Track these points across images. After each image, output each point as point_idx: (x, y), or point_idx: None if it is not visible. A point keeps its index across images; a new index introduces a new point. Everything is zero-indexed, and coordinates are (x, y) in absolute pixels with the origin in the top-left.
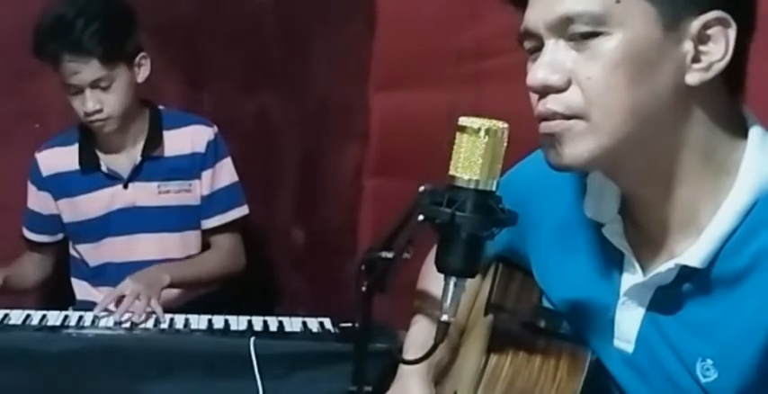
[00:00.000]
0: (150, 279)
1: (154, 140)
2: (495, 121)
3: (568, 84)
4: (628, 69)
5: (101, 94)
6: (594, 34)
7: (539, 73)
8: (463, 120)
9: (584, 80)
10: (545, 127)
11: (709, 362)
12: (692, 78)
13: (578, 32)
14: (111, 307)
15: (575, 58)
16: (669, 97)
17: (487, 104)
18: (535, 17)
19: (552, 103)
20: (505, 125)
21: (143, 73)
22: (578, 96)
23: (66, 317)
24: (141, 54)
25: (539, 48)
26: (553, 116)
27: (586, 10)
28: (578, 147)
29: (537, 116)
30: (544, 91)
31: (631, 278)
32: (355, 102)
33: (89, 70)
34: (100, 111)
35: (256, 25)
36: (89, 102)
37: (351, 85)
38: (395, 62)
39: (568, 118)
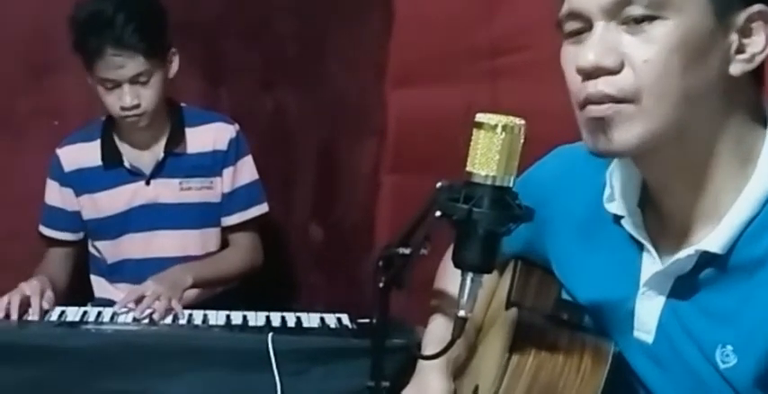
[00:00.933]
0: (173, 280)
1: (176, 137)
2: (511, 118)
3: (621, 66)
4: (683, 55)
5: (139, 88)
6: (650, 18)
7: (590, 54)
8: (480, 117)
9: (641, 63)
10: (594, 111)
11: (729, 348)
12: (736, 69)
13: (634, 15)
14: (131, 305)
15: (629, 42)
16: (716, 85)
17: (504, 101)
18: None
19: (604, 85)
20: (522, 122)
21: (173, 68)
22: (631, 79)
23: (84, 313)
24: (172, 49)
25: (582, 30)
26: (602, 99)
27: None
28: (628, 131)
29: (584, 99)
30: (595, 73)
31: (651, 268)
32: (372, 100)
33: (133, 65)
34: (137, 106)
35: (274, 23)
36: (127, 97)
37: (368, 82)
38: (412, 59)
39: (618, 101)
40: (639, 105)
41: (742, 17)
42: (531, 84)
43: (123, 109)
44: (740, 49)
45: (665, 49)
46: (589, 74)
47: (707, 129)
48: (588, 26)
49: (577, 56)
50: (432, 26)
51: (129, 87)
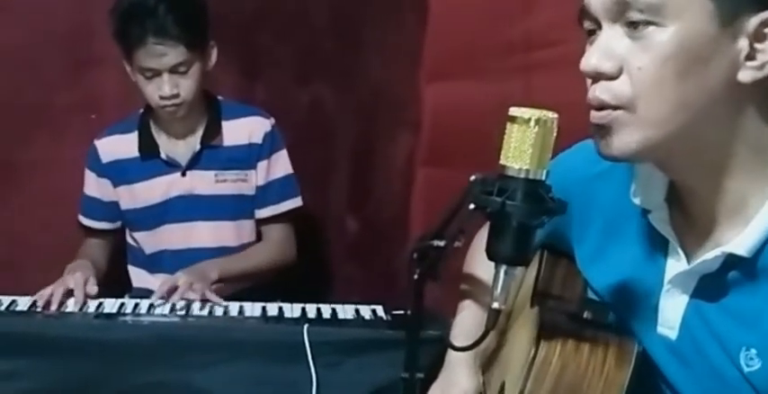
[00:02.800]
0: (200, 274)
1: (213, 130)
2: (544, 112)
3: (620, 72)
4: (678, 63)
5: (178, 78)
6: (648, 23)
7: (592, 58)
8: (514, 111)
9: (635, 70)
10: (594, 117)
11: (753, 351)
12: (745, 76)
13: (633, 20)
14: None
15: (628, 47)
16: (720, 93)
17: (537, 95)
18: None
19: (600, 92)
20: (555, 115)
21: (212, 61)
22: (626, 86)
23: (122, 304)
24: (211, 42)
25: (595, 30)
26: (601, 105)
27: None
28: (626, 138)
29: (588, 102)
30: (596, 77)
31: (676, 265)
32: (407, 93)
33: (174, 54)
34: (176, 95)
35: (310, 17)
36: (166, 86)
37: (403, 75)
38: (447, 53)
39: (615, 108)
40: (634, 113)
41: (754, 22)
42: (564, 78)
43: (162, 98)
44: (750, 56)
45: (659, 56)
46: (591, 77)
47: (718, 133)
48: (598, 26)
49: (585, 56)
50: (466, 20)
51: (169, 77)
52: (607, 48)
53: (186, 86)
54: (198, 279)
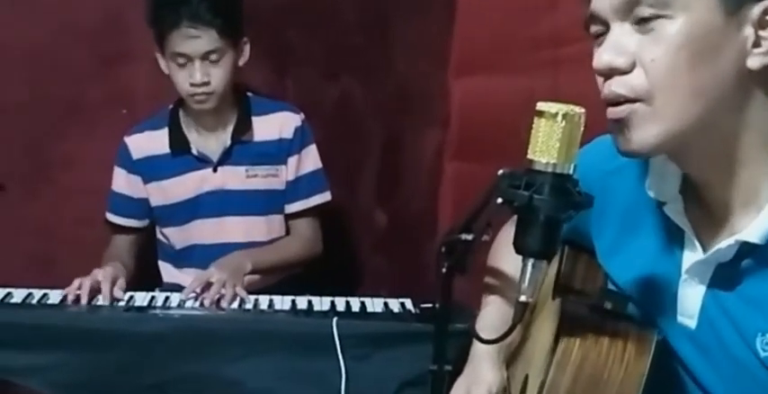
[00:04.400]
0: (233, 266)
1: (243, 125)
2: (572, 106)
3: (633, 66)
4: (690, 52)
5: (209, 66)
6: (658, 17)
7: (604, 55)
8: (541, 106)
9: (648, 62)
10: (612, 112)
11: None
12: (754, 62)
13: (642, 15)
14: (198, 291)
15: (639, 41)
16: (731, 81)
17: (564, 90)
18: (601, 1)
19: (616, 86)
20: (582, 110)
21: (244, 57)
22: (642, 79)
23: (152, 298)
24: (244, 38)
25: (604, 32)
26: (617, 99)
27: None
28: (645, 132)
29: (603, 100)
30: (609, 73)
31: (692, 255)
32: (435, 88)
33: (207, 39)
34: (207, 83)
35: (339, 13)
36: (198, 74)
37: (431, 70)
38: (474, 49)
39: (633, 101)
40: (653, 105)
41: (757, 10)
42: (591, 73)
43: (193, 85)
44: (757, 43)
45: (671, 47)
46: (605, 74)
47: (729, 122)
48: (606, 29)
49: (597, 54)
50: (494, 15)
51: (201, 64)
52: (618, 44)
53: (217, 76)
54: (231, 271)
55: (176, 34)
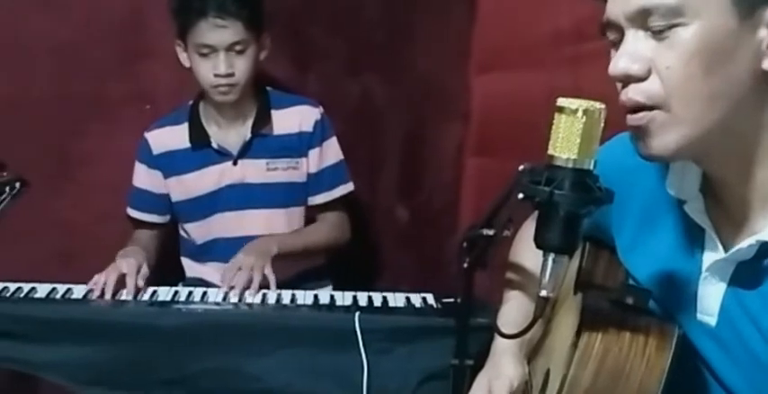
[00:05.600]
0: (260, 250)
1: (263, 119)
2: (592, 102)
3: (648, 73)
4: (704, 58)
5: (234, 58)
6: (671, 26)
7: (620, 62)
8: (562, 102)
9: (663, 70)
10: (631, 119)
11: None
12: None
13: (656, 25)
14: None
15: (654, 48)
16: (747, 83)
17: (585, 86)
18: (615, 8)
19: (633, 93)
20: (603, 106)
21: (264, 51)
22: (658, 86)
23: (176, 292)
24: (265, 33)
25: (620, 39)
26: (635, 107)
27: (663, 1)
28: (664, 138)
29: (621, 106)
30: (626, 80)
31: (713, 254)
32: (457, 84)
33: (233, 30)
34: (231, 74)
35: (361, 9)
36: (222, 64)
37: (452, 67)
38: (495, 45)
39: (650, 109)
40: (670, 112)
41: None
42: None
43: (217, 76)
44: None
45: (684, 54)
46: (621, 81)
47: (747, 123)
48: (621, 35)
49: (613, 61)
50: (515, 12)
51: (225, 55)
52: (633, 51)
53: (241, 67)
54: (258, 255)
55: (203, 24)
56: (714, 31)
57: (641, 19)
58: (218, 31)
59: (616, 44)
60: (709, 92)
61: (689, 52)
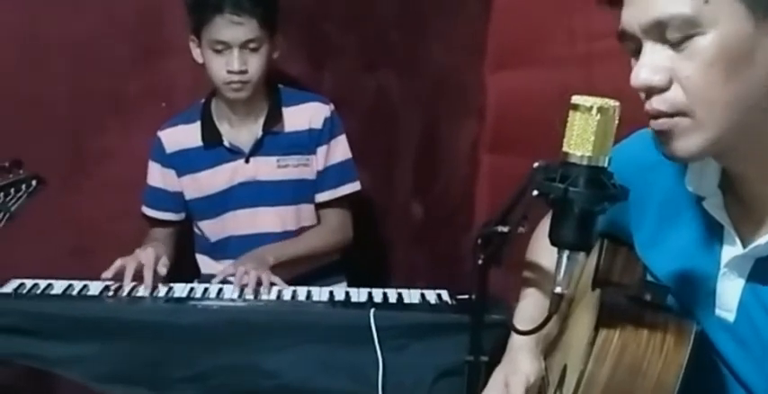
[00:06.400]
0: (257, 260)
1: (274, 116)
2: (606, 100)
3: (670, 83)
4: (723, 65)
5: (248, 55)
6: (688, 37)
7: (641, 74)
8: (576, 99)
9: (684, 79)
10: (654, 124)
11: None
12: None
13: (672, 37)
14: (231, 279)
15: (673, 58)
16: (767, 85)
17: (599, 83)
18: (630, 19)
19: (657, 103)
20: (617, 103)
21: (277, 50)
22: (680, 94)
23: (191, 289)
24: (279, 34)
25: (638, 48)
26: (659, 114)
27: (678, 12)
28: (687, 142)
29: (645, 113)
30: (648, 91)
31: (731, 250)
32: (471, 81)
33: (248, 27)
34: (245, 71)
35: (376, 5)
36: (236, 61)
37: (467, 64)
38: (510, 42)
39: (673, 115)
40: (694, 118)
41: None
42: (625, 67)
43: (230, 72)
44: None
45: (704, 63)
46: (644, 92)
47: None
48: (639, 45)
49: (634, 71)
50: (529, 9)
51: (239, 52)
52: (653, 62)
53: (255, 64)
54: (256, 264)
55: (218, 20)
56: (731, 37)
57: (657, 31)
58: (233, 28)
59: (634, 52)
60: (730, 96)
61: (708, 61)
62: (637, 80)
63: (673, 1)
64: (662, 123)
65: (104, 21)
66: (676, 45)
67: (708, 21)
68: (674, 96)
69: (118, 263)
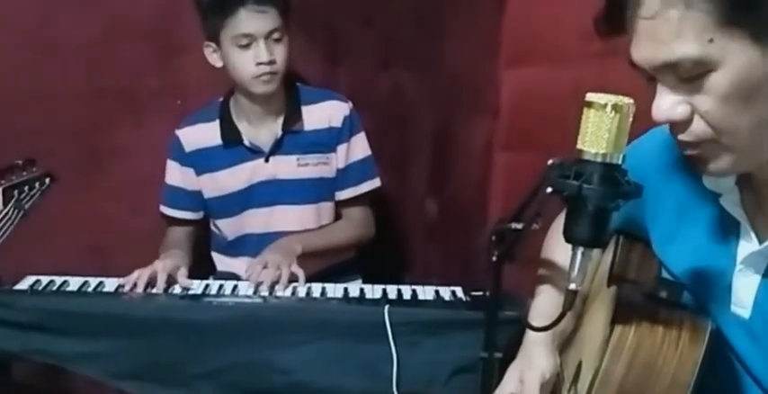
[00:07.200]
0: (285, 249)
1: (294, 115)
2: (621, 97)
3: (692, 114)
4: (739, 96)
5: (273, 45)
6: (699, 75)
7: (662, 107)
8: (590, 96)
9: (704, 113)
10: (683, 149)
11: None
12: None
13: (686, 77)
14: (259, 278)
15: (689, 92)
16: None
17: (613, 81)
18: (641, 59)
19: (683, 136)
20: (631, 101)
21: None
22: (703, 126)
23: (207, 285)
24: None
25: (653, 77)
26: (687, 146)
27: (685, 55)
28: (719, 163)
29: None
30: (672, 124)
31: (748, 246)
32: (486, 79)
33: (272, 17)
34: (273, 62)
35: (391, 4)
36: (264, 52)
37: (482, 61)
38: (524, 40)
39: (701, 143)
40: (720, 142)
41: None
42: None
43: (260, 64)
44: None
45: (720, 96)
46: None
47: None
48: (654, 77)
49: (654, 105)
50: (543, 7)
51: (265, 43)
52: (671, 98)
53: (281, 55)
54: (283, 254)
55: (242, 13)
56: (743, 69)
57: (670, 71)
58: (258, 18)
59: (649, 80)
60: (752, 121)
61: (724, 94)
62: (659, 115)
63: (678, 44)
64: (691, 150)
65: (120, 19)
66: (690, 82)
67: (716, 58)
68: (698, 128)
69: (135, 274)
